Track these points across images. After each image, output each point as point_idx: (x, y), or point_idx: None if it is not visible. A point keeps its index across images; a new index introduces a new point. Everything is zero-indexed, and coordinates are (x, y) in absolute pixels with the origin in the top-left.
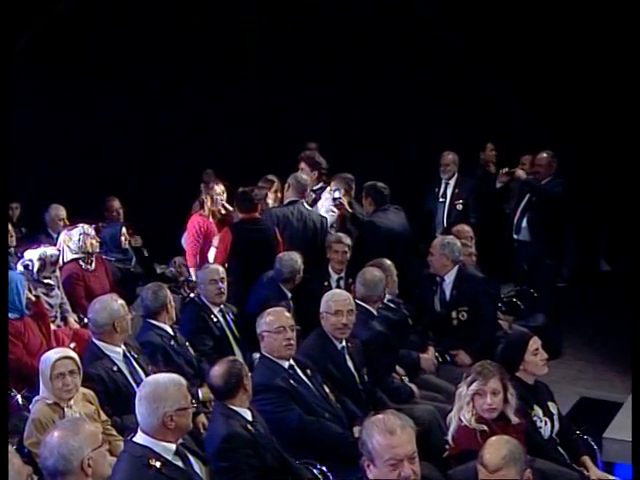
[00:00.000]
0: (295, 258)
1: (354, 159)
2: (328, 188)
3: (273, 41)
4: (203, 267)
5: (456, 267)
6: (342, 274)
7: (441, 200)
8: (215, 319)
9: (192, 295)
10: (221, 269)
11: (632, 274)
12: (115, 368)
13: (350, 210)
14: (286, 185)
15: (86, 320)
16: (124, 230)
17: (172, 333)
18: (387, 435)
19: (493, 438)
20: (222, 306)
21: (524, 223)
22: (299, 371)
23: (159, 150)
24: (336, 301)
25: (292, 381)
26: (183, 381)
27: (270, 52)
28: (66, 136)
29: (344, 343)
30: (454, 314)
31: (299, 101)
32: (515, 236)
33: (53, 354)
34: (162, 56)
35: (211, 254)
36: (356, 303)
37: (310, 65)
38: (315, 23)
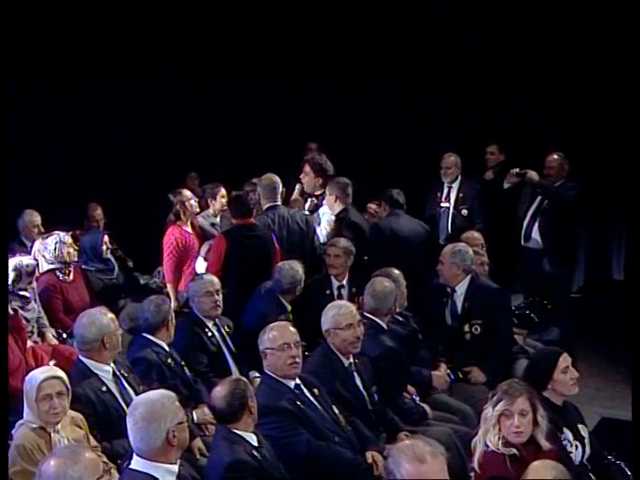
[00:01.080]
0: (296, 268)
1: (352, 162)
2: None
3: (274, 41)
4: (197, 278)
5: (468, 277)
6: (343, 282)
7: (444, 205)
8: (210, 334)
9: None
10: (216, 280)
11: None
12: (104, 388)
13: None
14: (257, 195)
15: (65, 335)
16: (106, 238)
17: (169, 351)
18: (417, 463)
19: (537, 462)
20: (217, 320)
21: (535, 230)
22: (306, 391)
23: (142, 154)
24: (344, 315)
25: (299, 402)
26: (173, 394)
27: (270, 52)
28: (40, 138)
29: (352, 359)
30: (466, 328)
31: (298, 102)
32: (524, 244)
33: (39, 374)
34: (149, 57)
35: (200, 265)
36: (364, 316)
37: (310, 65)
38: (316, 22)
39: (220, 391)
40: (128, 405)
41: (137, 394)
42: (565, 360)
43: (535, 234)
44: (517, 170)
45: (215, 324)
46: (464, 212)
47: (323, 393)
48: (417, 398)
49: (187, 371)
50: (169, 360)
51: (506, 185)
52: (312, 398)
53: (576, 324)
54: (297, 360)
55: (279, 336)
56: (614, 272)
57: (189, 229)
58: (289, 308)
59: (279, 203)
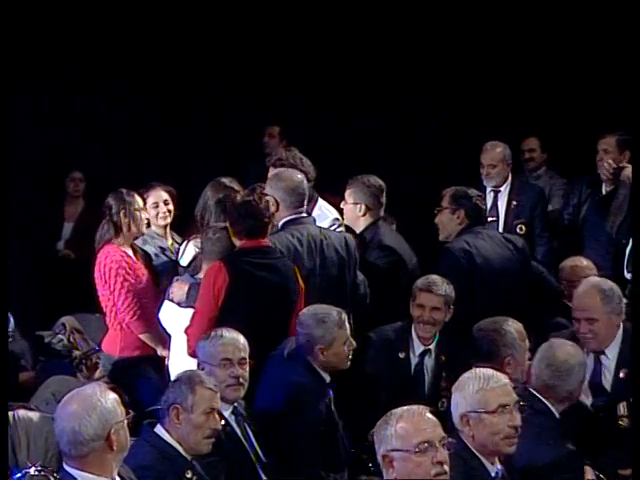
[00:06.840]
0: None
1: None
2: (321, 203)
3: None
4: (213, 336)
5: (620, 332)
6: (431, 345)
7: (490, 220)
8: (228, 428)
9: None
10: (243, 342)
11: None
12: None
13: None
14: (273, 199)
15: None
16: None
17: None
18: None
19: None
20: (236, 405)
21: None
22: None
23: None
24: (494, 390)
25: None
26: None
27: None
28: None
29: (498, 466)
30: (621, 409)
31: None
32: (628, 275)
33: None
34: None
35: (168, 313)
36: (529, 395)
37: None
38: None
39: None
40: None
41: None
42: None
43: None
44: (612, 164)
45: (233, 412)
46: (520, 229)
47: None
48: None
49: None
50: (189, 474)
51: (605, 190)
52: None
53: None
54: (445, 468)
55: (414, 430)
56: None
57: (130, 251)
58: (327, 379)
59: (306, 215)
